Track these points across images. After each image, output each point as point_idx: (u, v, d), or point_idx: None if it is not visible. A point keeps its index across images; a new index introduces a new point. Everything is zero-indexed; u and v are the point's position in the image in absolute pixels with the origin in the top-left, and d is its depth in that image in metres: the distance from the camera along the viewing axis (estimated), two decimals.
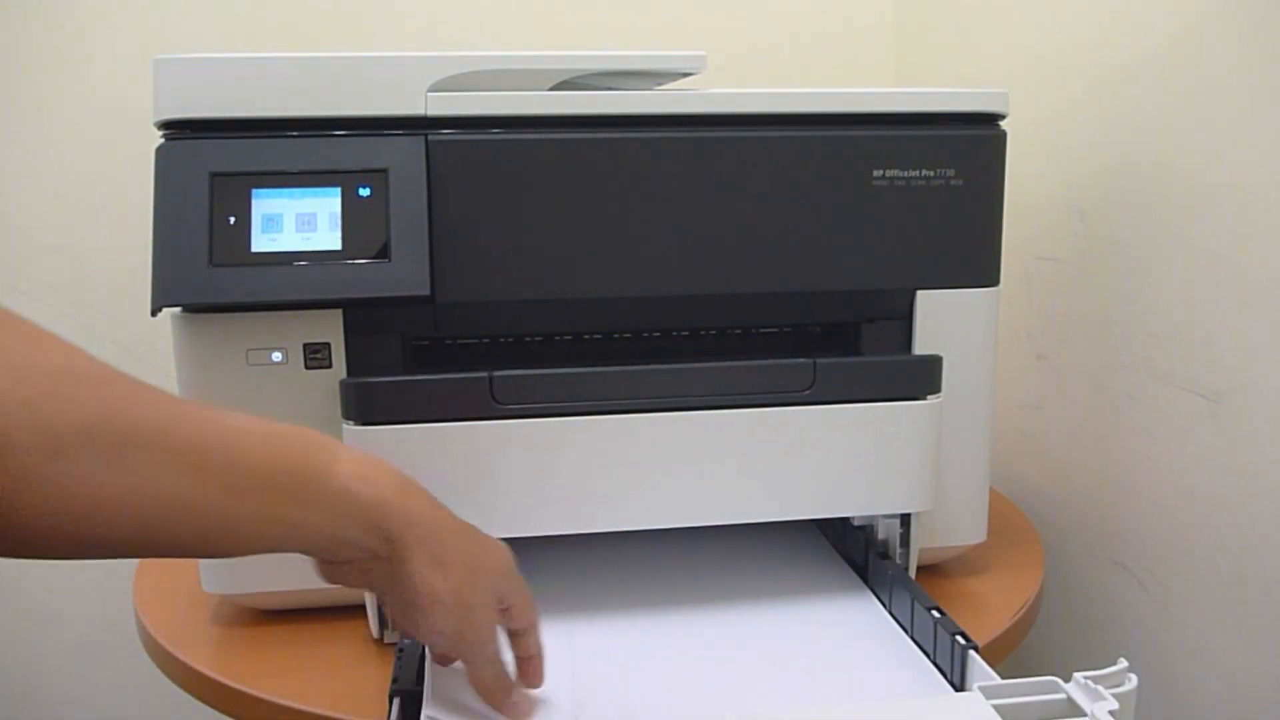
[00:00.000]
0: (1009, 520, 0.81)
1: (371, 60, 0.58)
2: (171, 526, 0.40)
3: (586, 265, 0.60)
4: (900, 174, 0.62)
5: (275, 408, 0.58)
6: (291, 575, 0.55)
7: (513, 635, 0.52)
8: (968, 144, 0.63)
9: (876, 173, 0.61)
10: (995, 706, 0.45)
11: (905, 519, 0.65)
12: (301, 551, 0.45)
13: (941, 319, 0.64)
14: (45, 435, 0.36)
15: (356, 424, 0.57)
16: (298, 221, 0.56)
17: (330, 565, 0.48)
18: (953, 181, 0.62)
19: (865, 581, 0.66)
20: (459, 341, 0.65)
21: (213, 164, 0.55)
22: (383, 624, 0.60)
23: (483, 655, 0.50)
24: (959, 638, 0.52)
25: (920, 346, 0.65)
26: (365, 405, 0.57)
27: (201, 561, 0.62)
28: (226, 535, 0.42)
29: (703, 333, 0.68)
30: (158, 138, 0.57)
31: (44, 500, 0.36)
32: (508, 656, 0.52)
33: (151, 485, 0.39)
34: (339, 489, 0.44)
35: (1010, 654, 0.64)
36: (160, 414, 0.40)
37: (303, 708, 0.54)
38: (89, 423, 0.37)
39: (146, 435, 0.39)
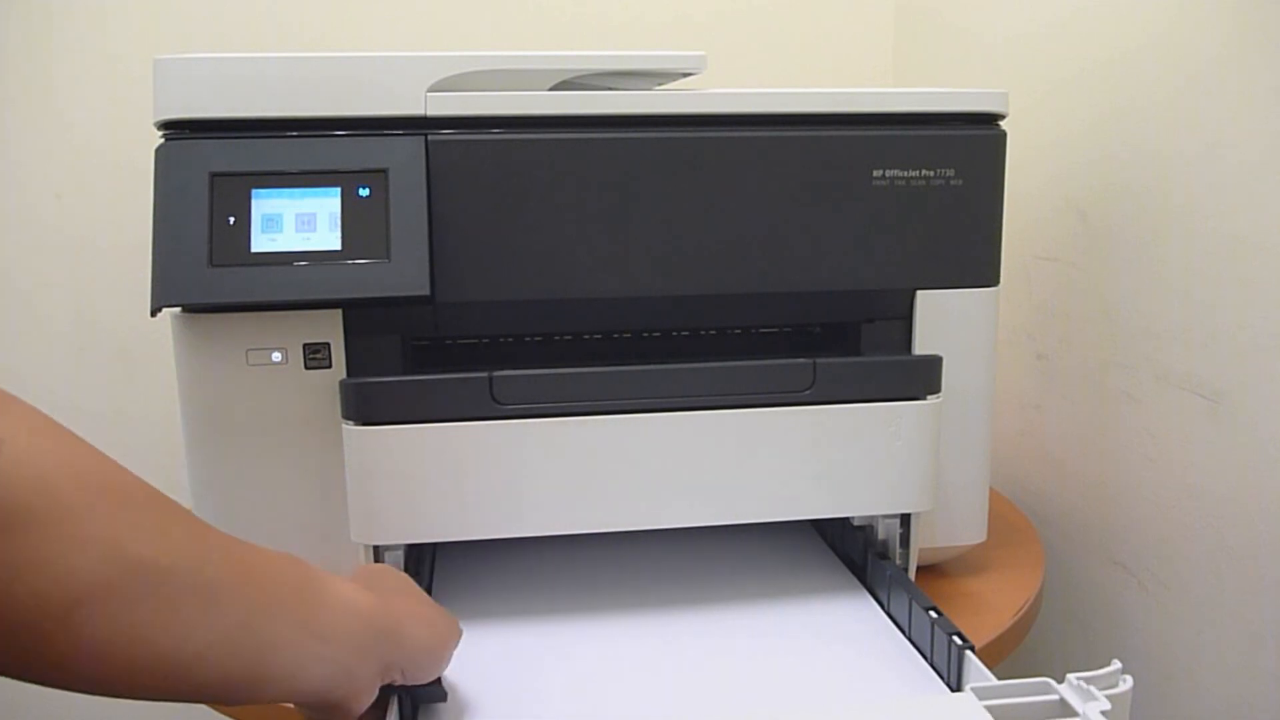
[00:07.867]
0: (1009, 520, 0.81)
1: (371, 60, 0.58)
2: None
3: (586, 265, 0.60)
4: (900, 174, 0.62)
5: (275, 408, 0.58)
6: None
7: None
8: (967, 144, 0.63)
9: (876, 173, 0.61)
10: (988, 707, 0.45)
11: (905, 519, 0.65)
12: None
13: (941, 319, 0.64)
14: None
15: (356, 424, 0.57)
16: (297, 221, 0.56)
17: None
18: (952, 181, 0.62)
19: (862, 581, 0.66)
20: (459, 341, 0.65)
21: (213, 164, 0.56)
22: None
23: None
24: (955, 638, 0.52)
25: (920, 346, 0.65)
26: (365, 405, 0.57)
27: None
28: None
29: (703, 333, 0.68)
30: (158, 138, 0.57)
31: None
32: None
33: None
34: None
35: (1010, 654, 0.64)
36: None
37: None
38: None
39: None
